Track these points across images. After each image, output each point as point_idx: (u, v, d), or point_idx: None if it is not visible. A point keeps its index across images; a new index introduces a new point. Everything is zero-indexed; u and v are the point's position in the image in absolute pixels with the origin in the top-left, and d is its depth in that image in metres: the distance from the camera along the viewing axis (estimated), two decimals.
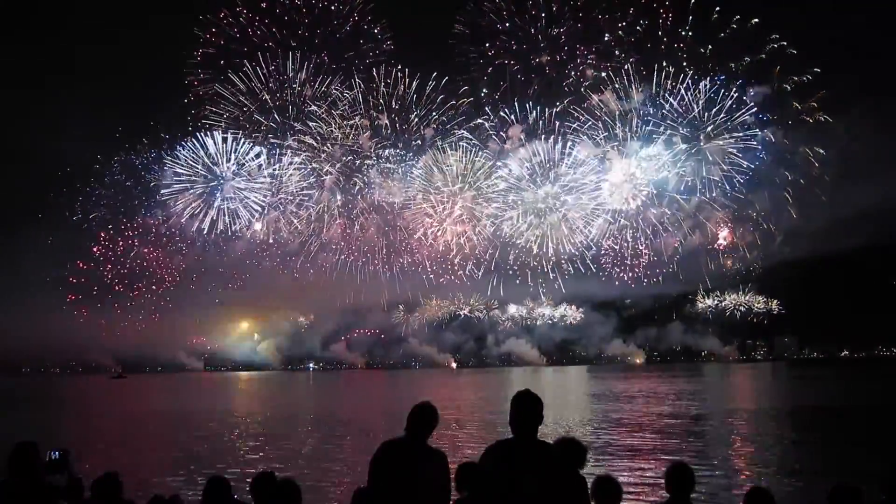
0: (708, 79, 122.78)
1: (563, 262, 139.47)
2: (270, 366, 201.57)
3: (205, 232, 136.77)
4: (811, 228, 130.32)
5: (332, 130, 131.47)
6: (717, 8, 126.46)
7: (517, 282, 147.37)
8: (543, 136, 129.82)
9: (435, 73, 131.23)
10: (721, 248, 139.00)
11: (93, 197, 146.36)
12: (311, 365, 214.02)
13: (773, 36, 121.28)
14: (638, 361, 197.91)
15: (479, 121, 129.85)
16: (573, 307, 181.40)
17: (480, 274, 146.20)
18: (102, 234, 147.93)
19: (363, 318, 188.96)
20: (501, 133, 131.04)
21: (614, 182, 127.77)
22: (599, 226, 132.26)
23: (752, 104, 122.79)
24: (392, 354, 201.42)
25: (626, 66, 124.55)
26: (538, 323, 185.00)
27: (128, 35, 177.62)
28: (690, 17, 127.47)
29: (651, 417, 38.24)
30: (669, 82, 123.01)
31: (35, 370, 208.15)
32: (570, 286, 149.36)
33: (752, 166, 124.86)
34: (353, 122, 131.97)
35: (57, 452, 5.95)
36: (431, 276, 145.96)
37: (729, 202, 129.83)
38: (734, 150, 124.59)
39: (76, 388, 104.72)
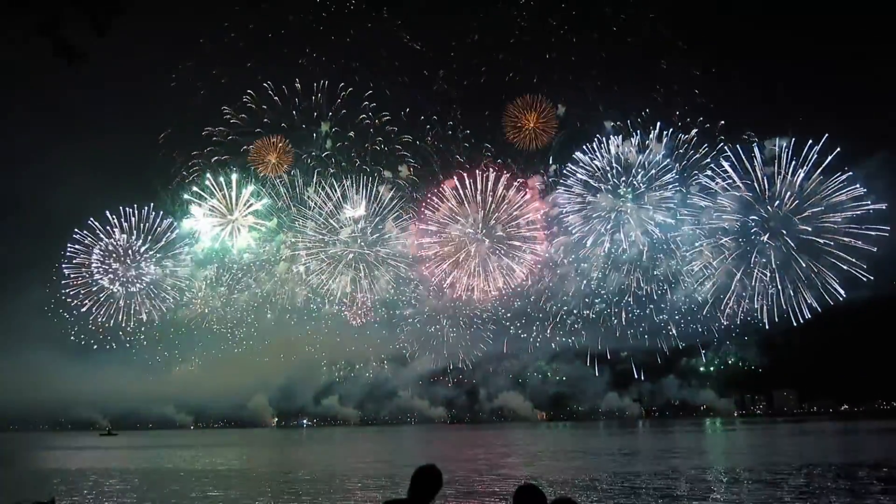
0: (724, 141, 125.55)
1: (563, 314, 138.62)
2: (262, 422, 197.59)
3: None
4: (815, 280, 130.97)
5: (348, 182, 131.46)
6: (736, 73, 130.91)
7: (509, 333, 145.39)
8: (561, 188, 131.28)
9: (461, 127, 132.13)
10: (723, 304, 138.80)
11: (85, 250, 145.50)
12: (304, 421, 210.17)
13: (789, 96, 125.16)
14: (635, 415, 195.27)
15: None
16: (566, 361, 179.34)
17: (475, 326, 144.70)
18: (88, 281, 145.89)
19: (354, 371, 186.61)
20: (519, 184, 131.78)
21: (626, 235, 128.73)
22: (607, 279, 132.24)
23: (766, 156, 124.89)
24: (384, 408, 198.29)
25: (644, 122, 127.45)
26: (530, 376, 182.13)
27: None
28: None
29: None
30: (684, 135, 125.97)
31: (22, 428, 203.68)
32: (562, 339, 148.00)
33: (762, 218, 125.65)
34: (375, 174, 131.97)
35: None
36: (430, 329, 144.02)
37: (735, 254, 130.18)
38: (743, 201, 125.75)
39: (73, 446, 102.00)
